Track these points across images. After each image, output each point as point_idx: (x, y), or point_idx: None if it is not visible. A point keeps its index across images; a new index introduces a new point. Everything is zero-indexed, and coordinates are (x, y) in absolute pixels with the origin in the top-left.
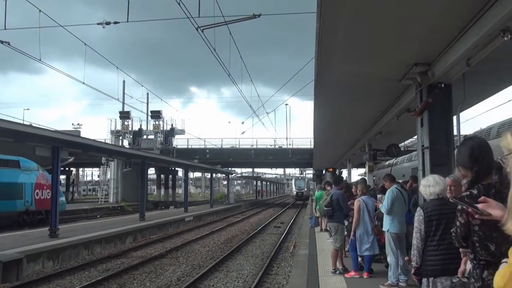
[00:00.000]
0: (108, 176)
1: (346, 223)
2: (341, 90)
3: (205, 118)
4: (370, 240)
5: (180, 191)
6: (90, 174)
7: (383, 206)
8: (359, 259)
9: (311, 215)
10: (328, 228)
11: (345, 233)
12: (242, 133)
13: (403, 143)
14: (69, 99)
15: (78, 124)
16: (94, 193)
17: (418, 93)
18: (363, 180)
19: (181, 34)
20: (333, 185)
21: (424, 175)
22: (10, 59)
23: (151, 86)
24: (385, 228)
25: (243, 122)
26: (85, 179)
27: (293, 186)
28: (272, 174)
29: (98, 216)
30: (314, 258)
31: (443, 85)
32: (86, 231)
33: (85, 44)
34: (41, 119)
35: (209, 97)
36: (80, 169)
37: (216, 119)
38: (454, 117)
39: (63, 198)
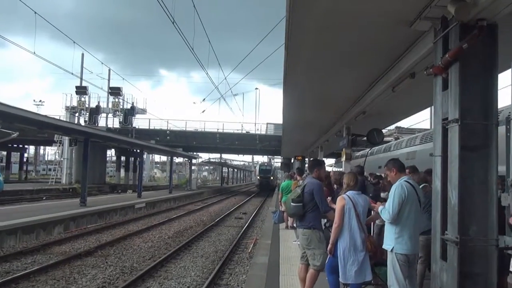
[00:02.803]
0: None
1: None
2: (320, 47)
3: (172, 100)
4: (360, 260)
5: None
6: (53, 153)
7: (386, 210)
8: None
9: (275, 208)
10: (296, 237)
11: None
12: (203, 111)
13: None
14: (34, 76)
15: (40, 101)
16: (54, 172)
17: (440, 42)
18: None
19: (150, 16)
20: (307, 172)
21: (445, 164)
22: None
23: (119, 66)
24: (387, 246)
25: (204, 99)
26: (46, 158)
27: (257, 172)
28: (240, 161)
29: (44, 198)
30: (275, 272)
31: (485, 23)
32: (5, 217)
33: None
34: (1, 95)
35: (178, 81)
36: (42, 148)
37: (184, 102)
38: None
39: (0, 178)
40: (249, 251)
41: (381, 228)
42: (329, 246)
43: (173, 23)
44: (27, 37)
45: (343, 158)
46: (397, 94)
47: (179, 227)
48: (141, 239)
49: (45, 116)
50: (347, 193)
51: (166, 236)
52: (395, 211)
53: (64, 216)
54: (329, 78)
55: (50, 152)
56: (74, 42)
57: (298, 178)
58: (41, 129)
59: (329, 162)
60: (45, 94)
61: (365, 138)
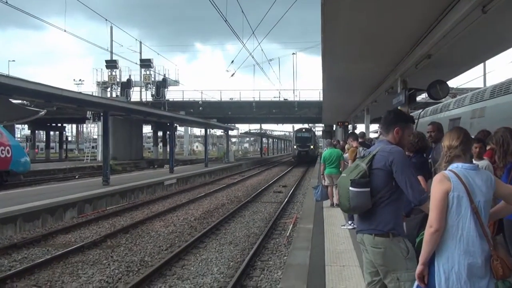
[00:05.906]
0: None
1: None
2: None
3: (207, 71)
4: None
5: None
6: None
7: None
8: None
9: (317, 183)
10: (346, 221)
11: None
12: (232, 75)
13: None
14: (73, 57)
15: (80, 79)
16: (96, 150)
17: None
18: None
19: None
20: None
21: None
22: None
23: (154, 42)
24: None
25: (232, 61)
26: (91, 136)
27: (294, 141)
28: (281, 131)
29: (76, 177)
30: (320, 283)
31: None
32: (14, 201)
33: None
34: (44, 77)
35: (213, 52)
36: (84, 125)
37: (218, 73)
38: None
39: (26, 158)
40: (287, 234)
41: None
42: (419, 267)
43: None
44: (62, 18)
45: None
46: (488, 18)
47: (209, 206)
48: (163, 222)
49: (49, 86)
50: (451, 167)
51: (193, 217)
52: None
53: (80, 197)
54: (384, 9)
55: (94, 130)
56: (106, 19)
57: (354, 144)
58: (49, 102)
59: (373, 128)
60: (85, 74)
61: (425, 93)
